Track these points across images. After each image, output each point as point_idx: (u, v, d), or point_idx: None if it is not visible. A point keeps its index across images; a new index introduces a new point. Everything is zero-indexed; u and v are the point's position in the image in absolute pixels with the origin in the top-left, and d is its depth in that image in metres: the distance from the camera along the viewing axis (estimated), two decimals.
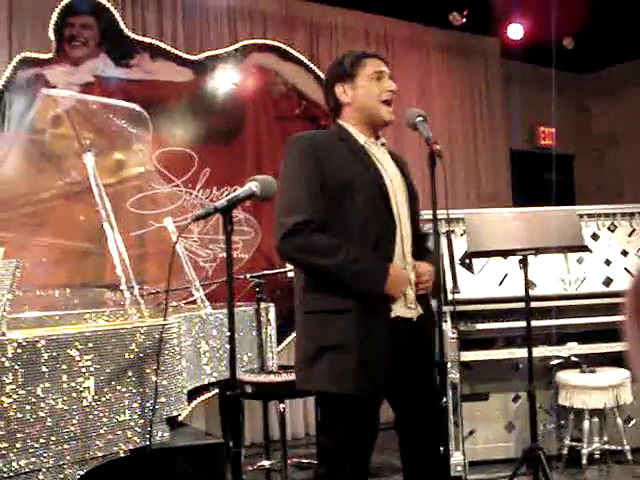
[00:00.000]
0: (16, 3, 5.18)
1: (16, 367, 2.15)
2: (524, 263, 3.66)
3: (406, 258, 2.56)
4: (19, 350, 2.17)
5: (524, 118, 7.89)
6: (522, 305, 3.69)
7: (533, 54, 7.39)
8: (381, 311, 2.45)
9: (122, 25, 5.46)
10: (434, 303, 2.68)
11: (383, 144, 2.70)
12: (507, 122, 7.65)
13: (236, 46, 5.89)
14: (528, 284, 3.67)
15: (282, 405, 3.81)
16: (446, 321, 4.35)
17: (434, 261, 2.63)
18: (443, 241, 4.47)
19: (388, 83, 2.63)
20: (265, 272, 4.48)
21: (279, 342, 3.91)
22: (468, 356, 4.43)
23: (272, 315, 3.89)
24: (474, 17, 6.68)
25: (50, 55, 5.22)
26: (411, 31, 6.96)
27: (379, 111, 2.62)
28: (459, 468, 4.26)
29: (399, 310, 2.51)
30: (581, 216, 4.63)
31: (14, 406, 2.14)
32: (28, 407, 2.18)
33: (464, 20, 6.71)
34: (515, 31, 7.03)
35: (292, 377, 3.88)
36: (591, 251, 4.37)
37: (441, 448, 2.64)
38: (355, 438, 2.46)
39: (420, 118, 2.59)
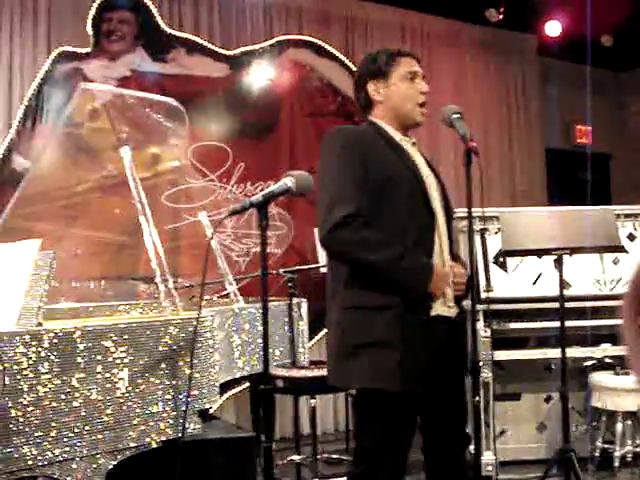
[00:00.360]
0: None
1: (52, 357, 2.18)
2: (559, 263, 3.62)
3: (444, 256, 2.55)
4: (55, 340, 2.20)
5: (560, 116, 7.80)
6: (556, 305, 3.65)
7: (570, 51, 7.29)
8: (422, 309, 2.44)
9: (159, 20, 5.50)
10: (466, 302, 2.67)
11: (414, 143, 2.69)
12: (543, 120, 7.56)
13: (272, 41, 5.90)
14: (563, 284, 3.63)
15: (313, 400, 3.81)
16: (479, 320, 4.32)
17: (464, 265, 2.62)
18: (477, 239, 4.45)
19: (421, 85, 2.61)
20: (298, 267, 4.49)
21: (311, 337, 3.92)
22: (501, 355, 4.40)
23: (304, 310, 3.90)
24: (511, 13, 6.62)
25: (88, 49, 5.29)
26: (447, 27, 6.92)
27: (412, 113, 2.60)
28: (490, 468, 4.24)
29: (438, 308, 2.49)
30: (617, 216, 4.56)
31: (49, 395, 2.18)
32: (63, 397, 2.21)
33: (501, 16, 6.65)
34: (553, 28, 6.95)
35: (323, 372, 3.88)
36: (627, 252, 4.30)
37: (470, 448, 2.63)
38: (396, 436, 2.44)
39: (456, 115, 2.57)
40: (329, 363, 2.54)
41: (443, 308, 2.51)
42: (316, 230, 4.66)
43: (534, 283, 4.53)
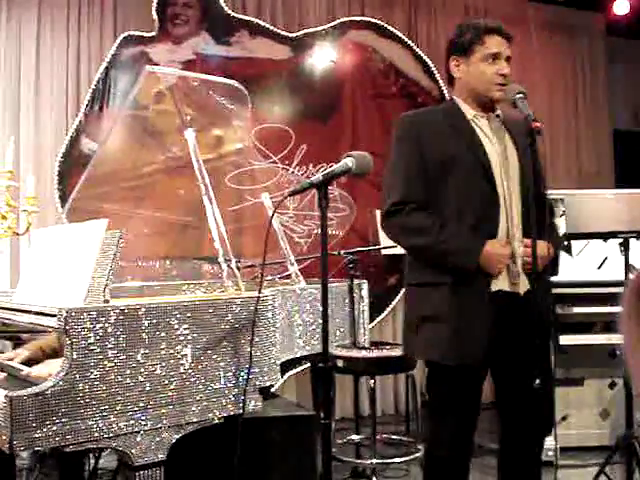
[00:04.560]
0: None
1: (118, 333, 2.24)
2: (625, 246, 3.55)
3: (514, 234, 2.53)
4: (121, 317, 2.25)
5: (628, 97, 7.59)
6: (622, 290, 3.57)
7: (639, 31, 7.09)
8: (479, 284, 2.48)
9: (222, 3, 5.54)
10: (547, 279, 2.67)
11: (498, 116, 2.66)
12: (610, 101, 7.38)
13: (334, 23, 5.89)
14: (629, 268, 3.55)
15: (372, 381, 3.83)
16: None
17: (550, 242, 2.53)
18: None
19: (501, 65, 2.57)
20: (359, 249, 4.50)
21: (371, 319, 3.93)
22: (564, 340, 4.34)
23: (365, 292, 3.90)
24: None
25: (153, 33, 5.37)
26: (513, 6, 6.79)
27: (489, 92, 2.59)
28: (550, 453, 4.19)
29: (500, 284, 2.51)
30: None
31: (115, 370, 2.23)
32: (128, 371, 2.26)
33: None
34: (621, 6, 6.76)
35: (384, 353, 3.90)
36: None
37: (548, 431, 2.65)
38: (453, 403, 2.55)
39: (520, 95, 2.54)
40: (402, 335, 2.78)
41: (507, 284, 2.52)
42: (377, 211, 4.69)
43: (599, 267, 4.45)
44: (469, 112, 2.62)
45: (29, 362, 2.57)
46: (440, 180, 2.52)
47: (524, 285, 2.55)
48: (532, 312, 2.54)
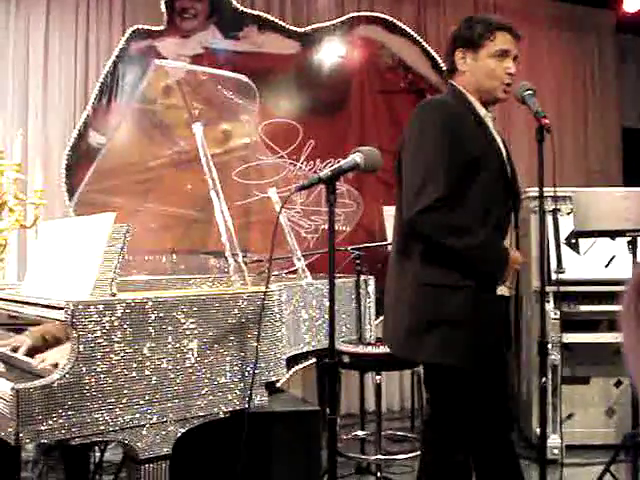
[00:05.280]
0: None
1: (125, 326, 2.25)
2: (633, 245, 3.53)
3: (511, 238, 2.56)
4: (128, 310, 2.26)
5: (638, 95, 7.55)
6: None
7: None
8: (492, 289, 2.49)
9: None
10: (537, 283, 2.69)
11: (494, 119, 2.65)
12: (620, 99, 7.34)
13: (343, 18, 5.87)
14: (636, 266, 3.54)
15: (378, 377, 3.83)
16: (549, 301, 4.27)
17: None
18: (549, 220, 4.37)
19: (509, 64, 2.53)
20: (366, 245, 4.50)
21: (377, 315, 3.91)
22: (570, 338, 4.34)
23: (371, 288, 3.91)
24: None
25: (161, 27, 5.37)
26: (521, 2, 6.75)
27: (495, 90, 2.55)
28: (556, 451, 4.19)
29: (502, 289, 2.54)
30: None
31: (122, 363, 2.24)
32: (135, 365, 2.27)
33: None
34: (631, 3, 6.72)
35: (389, 350, 3.89)
36: None
37: (537, 431, 2.65)
38: (465, 408, 2.51)
39: (529, 92, 2.53)
40: (398, 336, 2.57)
41: (505, 289, 2.55)
42: (384, 207, 4.65)
43: (607, 265, 4.44)
44: (481, 110, 2.57)
45: (31, 351, 2.58)
46: (467, 178, 2.43)
47: (512, 289, 2.62)
48: (509, 314, 2.63)
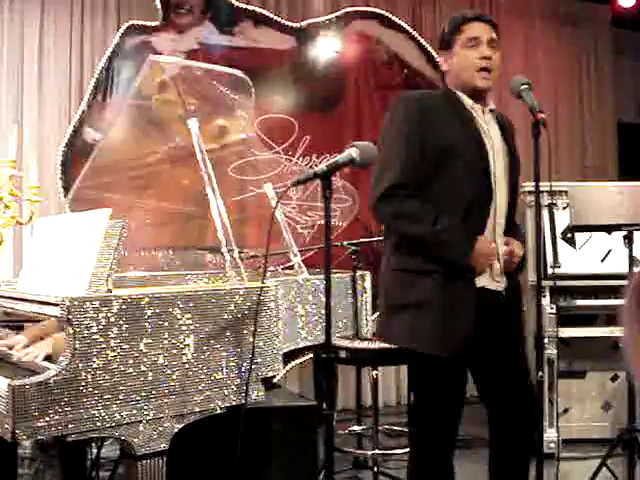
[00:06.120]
0: None
1: (121, 322, 2.24)
2: (629, 239, 3.54)
3: (497, 231, 2.54)
4: (124, 306, 2.25)
5: (634, 89, 7.56)
6: (625, 283, 3.56)
7: None
8: (465, 279, 2.46)
9: None
10: (533, 277, 2.66)
11: (492, 110, 2.65)
12: (615, 93, 7.34)
13: (338, 13, 5.86)
14: (633, 261, 3.55)
15: (375, 372, 3.83)
16: (545, 296, 4.27)
17: (522, 243, 2.63)
18: (545, 214, 4.38)
19: (482, 49, 2.54)
20: (362, 240, 4.50)
21: (374, 310, 3.91)
22: (566, 332, 4.35)
23: (368, 283, 3.90)
24: None
25: (157, 23, 5.35)
26: None
27: (473, 79, 2.54)
28: (552, 445, 4.20)
29: (484, 281, 2.51)
30: None
31: (118, 359, 2.23)
32: (131, 361, 2.26)
33: None
34: None
35: (386, 345, 3.89)
36: None
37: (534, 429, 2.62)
38: (438, 397, 2.50)
39: (525, 86, 2.53)
40: (378, 320, 2.70)
41: (489, 281, 2.53)
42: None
43: (603, 260, 4.45)
44: (467, 102, 2.58)
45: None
46: (437, 167, 2.46)
47: (504, 283, 2.57)
48: (511, 310, 2.61)
